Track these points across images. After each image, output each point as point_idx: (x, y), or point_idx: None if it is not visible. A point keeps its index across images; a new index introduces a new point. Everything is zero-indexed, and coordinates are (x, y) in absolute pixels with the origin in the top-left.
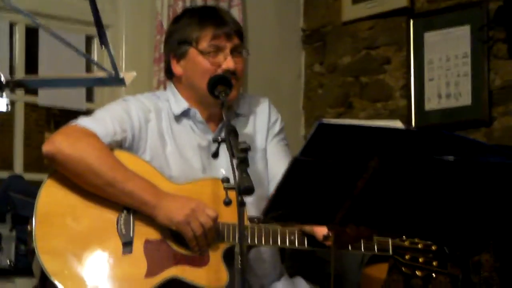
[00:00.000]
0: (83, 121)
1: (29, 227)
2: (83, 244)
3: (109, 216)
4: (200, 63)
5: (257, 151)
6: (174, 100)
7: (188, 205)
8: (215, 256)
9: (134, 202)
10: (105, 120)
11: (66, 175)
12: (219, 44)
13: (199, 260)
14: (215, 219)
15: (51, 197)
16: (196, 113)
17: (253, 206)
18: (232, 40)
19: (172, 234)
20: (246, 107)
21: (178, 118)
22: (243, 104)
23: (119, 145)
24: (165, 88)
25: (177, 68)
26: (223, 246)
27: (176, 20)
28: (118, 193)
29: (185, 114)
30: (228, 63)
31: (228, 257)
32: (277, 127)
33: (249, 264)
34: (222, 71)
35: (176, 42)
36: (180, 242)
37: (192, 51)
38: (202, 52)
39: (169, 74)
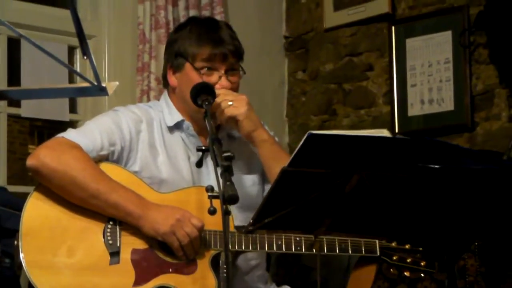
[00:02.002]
0: (69, 134)
1: (15, 242)
2: (70, 256)
3: (96, 227)
4: (193, 79)
5: (255, 174)
6: (168, 111)
7: (173, 215)
8: (203, 264)
9: (119, 213)
10: (93, 133)
11: (51, 188)
12: (214, 64)
13: (187, 268)
14: (200, 228)
15: (37, 211)
16: (189, 126)
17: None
18: (228, 61)
19: (159, 243)
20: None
21: (171, 129)
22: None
23: (106, 158)
24: (148, 97)
25: (172, 79)
26: (210, 253)
27: (178, 30)
28: (103, 204)
29: (178, 126)
30: (222, 83)
31: (216, 264)
32: None
33: (237, 274)
34: None
35: (174, 53)
36: (167, 250)
37: (187, 66)
38: (196, 70)
39: (165, 84)
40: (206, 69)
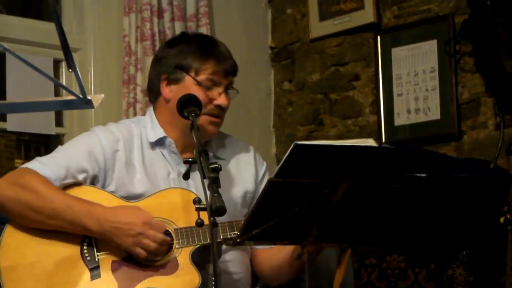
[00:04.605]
0: (32, 164)
1: None
2: (51, 279)
3: (73, 246)
4: (195, 93)
5: (238, 197)
6: (151, 127)
7: (133, 229)
8: (184, 260)
9: (78, 230)
10: (59, 163)
11: (12, 218)
12: (216, 79)
13: (169, 268)
14: (163, 230)
15: (13, 239)
16: (172, 143)
17: None
18: (229, 78)
19: None
20: (227, 151)
21: (152, 145)
22: (222, 147)
23: (78, 183)
24: (134, 110)
25: (166, 91)
26: (189, 249)
27: (173, 44)
28: (61, 223)
29: (160, 142)
30: (222, 99)
31: (197, 258)
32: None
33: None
34: (215, 106)
35: (172, 66)
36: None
37: (188, 79)
38: (199, 84)
39: (152, 97)
40: (209, 85)
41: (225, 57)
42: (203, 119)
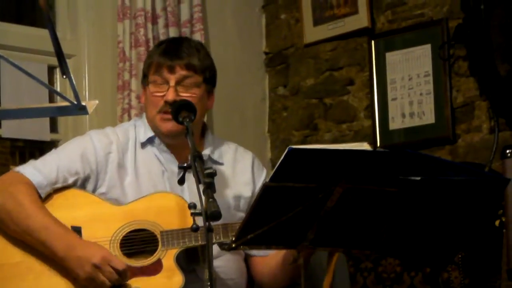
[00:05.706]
0: (25, 169)
1: None
2: (37, 280)
3: None
4: (148, 93)
5: (232, 199)
6: (143, 129)
7: (90, 261)
8: (168, 261)
9: (47, 252)
10: (51, 167)
11: None
12: (163, 76)
13: (152, 269)
14: (123, 272)
15: (1, 240)
16: (160, 142)
17: None
18: (176, 73)
19: (120, 248)
20: (224, 156)
21: (143, 144)
22: (219, 152)
23: (67, 186)
24: (129, 116)
25: (142, 98)
26: (174, 251)
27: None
28: (34, 241)
29: (150, 141)
30: (167, 95)
31: (182, 260)
32: None
33: None
34: (164, 102)
35: (142, 74)
36: (131, 255)
37: (147, 82)
38: (150, 83)
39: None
40: (158, 83)
41: (170, 53)
42: (156, 118)
